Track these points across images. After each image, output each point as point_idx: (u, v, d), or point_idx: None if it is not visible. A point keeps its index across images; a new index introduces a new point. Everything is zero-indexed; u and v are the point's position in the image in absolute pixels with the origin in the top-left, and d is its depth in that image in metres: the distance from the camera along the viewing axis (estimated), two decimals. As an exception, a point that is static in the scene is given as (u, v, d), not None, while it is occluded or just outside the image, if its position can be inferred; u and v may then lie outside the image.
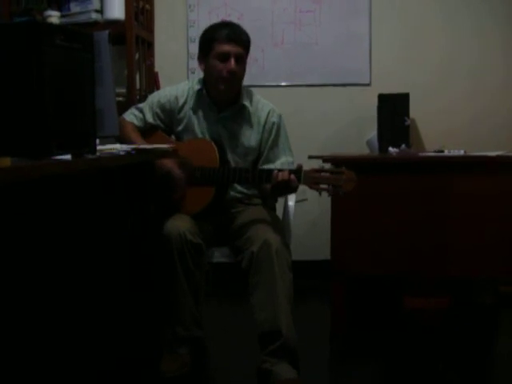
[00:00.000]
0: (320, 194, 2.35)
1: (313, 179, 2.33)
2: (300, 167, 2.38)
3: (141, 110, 2.71)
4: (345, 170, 2.31)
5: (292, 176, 2.35)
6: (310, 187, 2.35)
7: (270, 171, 2.43)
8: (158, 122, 2.70)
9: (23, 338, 1.44)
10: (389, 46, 3.88)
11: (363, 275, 3.02)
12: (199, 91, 2.66)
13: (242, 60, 2.57)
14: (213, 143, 2.59)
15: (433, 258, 2.90)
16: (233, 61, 2.52)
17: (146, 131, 2.70)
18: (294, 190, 2.44)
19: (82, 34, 1.58)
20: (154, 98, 2.74)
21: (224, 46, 2.52)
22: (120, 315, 1.98)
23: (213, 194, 2.54)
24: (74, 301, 1.67)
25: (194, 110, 2.67)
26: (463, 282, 3.18)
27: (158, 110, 2.69)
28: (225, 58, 2.52)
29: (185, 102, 2.68)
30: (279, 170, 2.40)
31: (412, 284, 3.07)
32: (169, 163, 2.56)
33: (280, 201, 2.84)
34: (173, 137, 2.72)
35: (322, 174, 2.33)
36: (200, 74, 2.73)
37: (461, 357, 2.73)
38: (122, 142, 2.49)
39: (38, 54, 1.40)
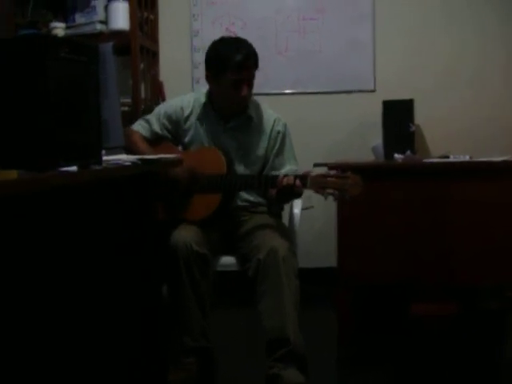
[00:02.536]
0: (326, 198, 2.35)
1: (319, 184, 2.34)
2: (306, 172, 2.39)
3: (148, 121, 2.74)
4: (350, 175, 2.32)
5: (297, 181, 2.36)
6: (316, 192, 2.35)
7: (276, 176, 2.44)
8: (165, 133, 2.72)
9: (31, 355, 1.45)
10: (393, 53, 3.89)
11: (369, 282, 3.01)
12: (205, 103, 2.68)
13: (252, 79, 2.58)
14: (219, 151, 2.61)
15: (439, 265, 2.90)
16: (245, 87, 2.54)
17: (154, 142, 2.72)
18: (298, 195, 2.45)
19: (86, 47, 1.59)
20: (161, 109, 2.77)
21: (237, 74, 2.50)
22: (128, 326, 1.99)
23: (219, 200, 2.55)
24: (81, 312, 1.68)
25: (200, 121, 2.69)
26: (469, 288, 3.17)
27: (165, 121, 2.71)
28: (238, 84, 2.53)
29: (190, 113, 2.70)
30: (284, 175, 2.41)
31: (419, 290, 3.07)
32: (180, 172, 2.56)
33: (286, 208, 2.84)
34: (180, 147, 2.74)
35: (328, 178, 2.33)
36: (205, 84, 2.73)
37: (468, 362, 2.72)
38: (129, 152, 2.52)
39: (43, 67, 1.41)
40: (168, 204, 2.61)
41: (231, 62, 2.50)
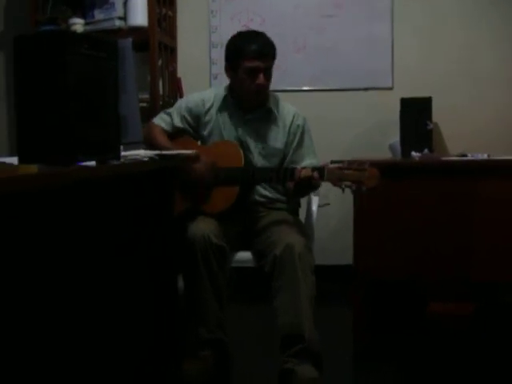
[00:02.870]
0: (343, 191, 2.36)
1: (336, 176, 2.35)
2: (324, 165, 2.40)
3: (169, 114, 2.78)
4: (368, 168, 2.32)
5: (315, 173, 2.36)
6: (334, 184, 2.36)
7: (294, 169, 2.45)
8: (186, 126, 2.75)
9: (52, 340, 1.47)
10: (411, 50, 3.87)
11: (385, 279, 3.00)
12: (225, 97, 2.71)
13: (269, 71, 2.61)
14: (237, 144, 2.63)
15: (456, 263, 2.88)
16: (262, 76, 2.57)
17: (173, 135, 2.76)
18: (315, 188, 2.45)
19: (106, 43, 1.60)
20: (182, 102, 2.82)
21: (253, 62, 2.55)
22: (143, 318, 2.00)
23: (237, 193, 2.57)
24: (99, 303, 1.70)
25: (220, 114, 2.72)
26: (488, 286, 3.15)
27: (186, 114, 2.74)
28: (253, 73, 2.56)
29: (211, 106, 2.73)
30: (302, 168, 2.43)
31: (436, 288, 3.06)
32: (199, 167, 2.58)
33: (303, 205, 2.85)
34: (199, 142, 2.76)
35: (346, 171, 2.34)
36: (222, 80, 2.77)
37: (486, 361, 2.70)
38: (149, 145, 2.61)
39: (63, 63, 1.42)
40: (186, 196, 2.64)
41: (247, 50, 2.56)
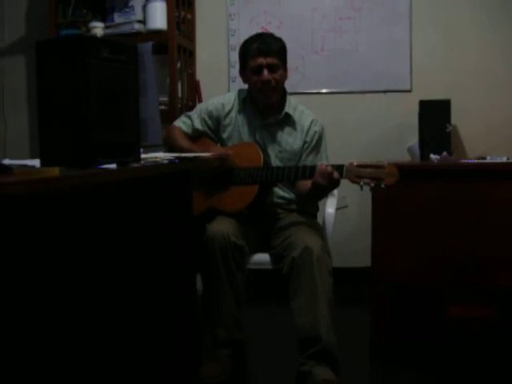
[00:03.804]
0: (361, 188, 2.35)
1: (354, 173, 2.34)
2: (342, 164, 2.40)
3: (189, 117, 2.81)
4: (386, 165, 2.32)
5: (335, 173, 2.36)
6: (352, 181, 2.35)
7: (314, 167, 2.46)
8: (206, 129, 2.78)
9: (79, 337, 1.49)
10: (430, 52, 3.86)
11: (404, 283, 2.99)
12: (244, 100, 2.74)
13: (276, 68, 2.62)
14: (256, 145, 2.66)
15: (474, 267, 2.86)
16: (265, 71, 2.60)
17: (193, 138, 2.78)
18: (333, 186, 2.43)
19: (126, 47, 1.62)
20: (203, 105, 2.85)
21: (255, 60, 2.61)
22: (162, 318, 2.02)
23: (256, 191, 2.59)
24: (117, 304, 1.71)
25: (240, 117, 2.75)
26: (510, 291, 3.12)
27: (206, 117, 2.77)
28: (258, 70, 2.61)
29: (231, 110, 2.76)
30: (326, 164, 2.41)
31: (455, 291, 3.03)
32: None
33: (320, 208, 2.85)
34: (218, 145, 2.78)
35: (364, 168, 2.34)
36: (241, 83, 2.80)
37: (504, 366, 2.69)
38: (169, 147, 2.67)
39: (85, 66, 1.44)
40: (205, 197, 2.66)
41: (249, 50, 2.63)
